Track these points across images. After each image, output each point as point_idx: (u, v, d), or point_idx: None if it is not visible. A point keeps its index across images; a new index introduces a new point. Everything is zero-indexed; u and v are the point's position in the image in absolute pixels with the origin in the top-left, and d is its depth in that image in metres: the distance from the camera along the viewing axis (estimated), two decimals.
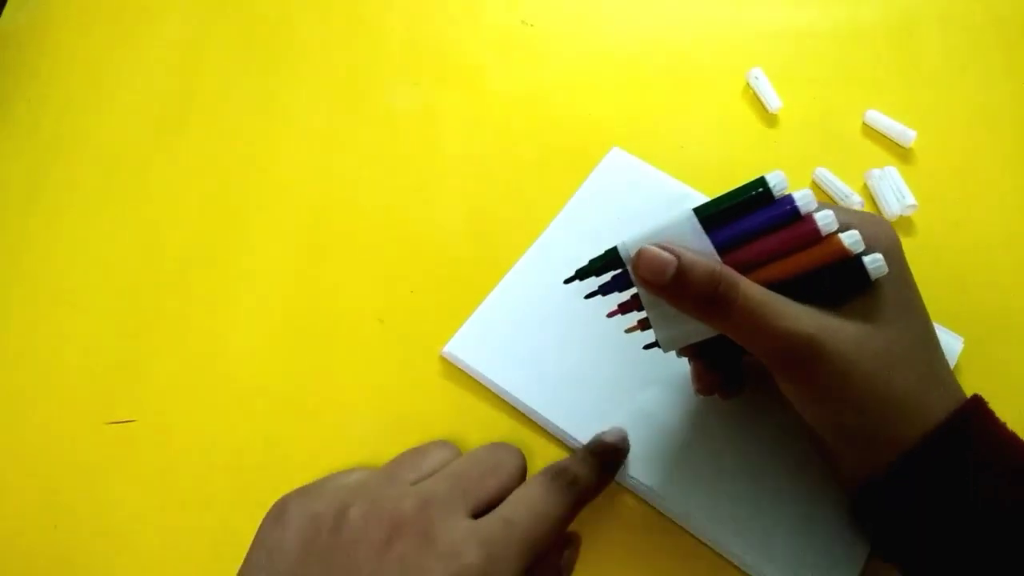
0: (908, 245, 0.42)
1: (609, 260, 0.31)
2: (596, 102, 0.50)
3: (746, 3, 0.53)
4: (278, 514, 0.30)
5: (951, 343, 0.38)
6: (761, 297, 0.29)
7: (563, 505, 0.30)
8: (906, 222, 0.43)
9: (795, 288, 0.29)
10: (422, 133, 0.49)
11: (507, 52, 0.52)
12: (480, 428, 0.38)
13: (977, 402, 0.31)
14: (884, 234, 0.32)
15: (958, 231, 0.43)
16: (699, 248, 0.29)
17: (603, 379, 0.38)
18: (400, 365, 0.40)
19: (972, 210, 0.44)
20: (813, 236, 0.29)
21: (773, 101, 0.48)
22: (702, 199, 0.43)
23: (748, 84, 0.49)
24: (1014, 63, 0.49)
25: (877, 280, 0.30)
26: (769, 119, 0.48)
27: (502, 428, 0.38)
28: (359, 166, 0.48)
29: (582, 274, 0.32)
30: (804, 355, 0.29)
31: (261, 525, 0.30)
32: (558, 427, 0.37)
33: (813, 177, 0.45)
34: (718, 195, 0.30)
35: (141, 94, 0.51)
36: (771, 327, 0.29)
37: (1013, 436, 0.30)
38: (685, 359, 0.37)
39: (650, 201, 0.44)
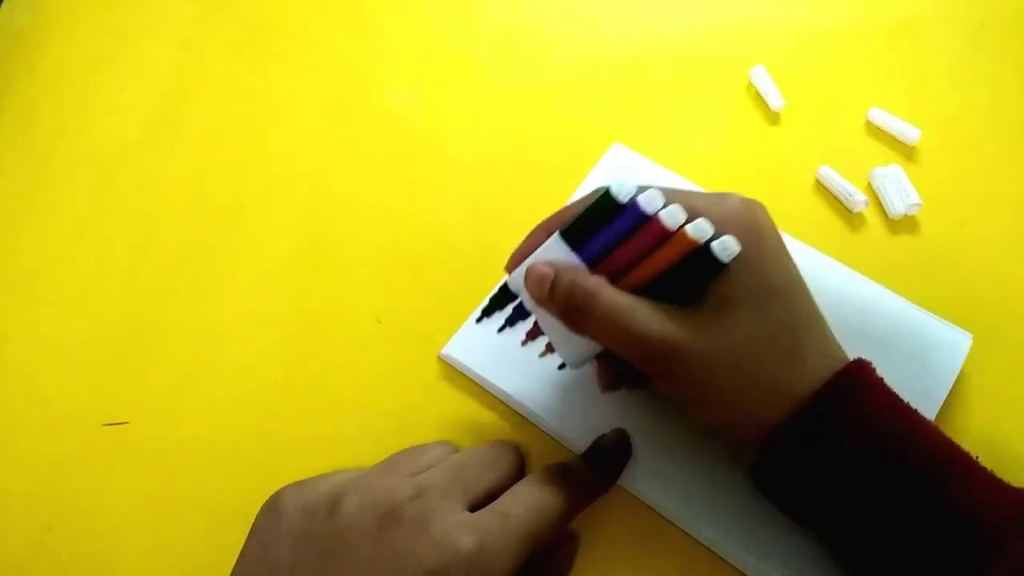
0: (912, 244, 0.42)
1: (505, 295, 0.34)
2: (596, 101, 0.49)
3: (748, 1, 0.53)
4: (272, 506, 0.30)
5: (959, 340, 0.37)
6: (620, 304, 0.30)
7: (560, 503, 0.30)
8: (911, 221, 0.43)
9: (661, 288, 0.30)
10: (421, 133, 0.48)
11: (507, 52, 0.52)
12: (478, 430, 0.38)
13: (848, 374, 0.30)
14: (738, 213, 0.31)
15: (963, 229, 0.43)
16: (572, 264, 0.31)
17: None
18: (398, 366, 0.40)
19: (977, 208, 0.43)
20: (664, 234, 0.29)
21: (775, 99, 0.47)
22: None
23: (750, 82, 0.49)
24: (1018, 60, 0.49)
25: (735, 265, 0.29)
26: (771, 117, 0.48)
27: (500, 430, 0.37)
28: (358, 166, 0.47)
29: (487, 312, 0.36)
30: (664, 358, 0.30)
31: (256, 518, 0.30)
32: (555, 430, 0.37)
33: (817, 175, 0.45)
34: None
35: (139, 93, 0.51)
36: (631, 333, 0.29)
37: (884, 407, 0.30)
38: None
39: None
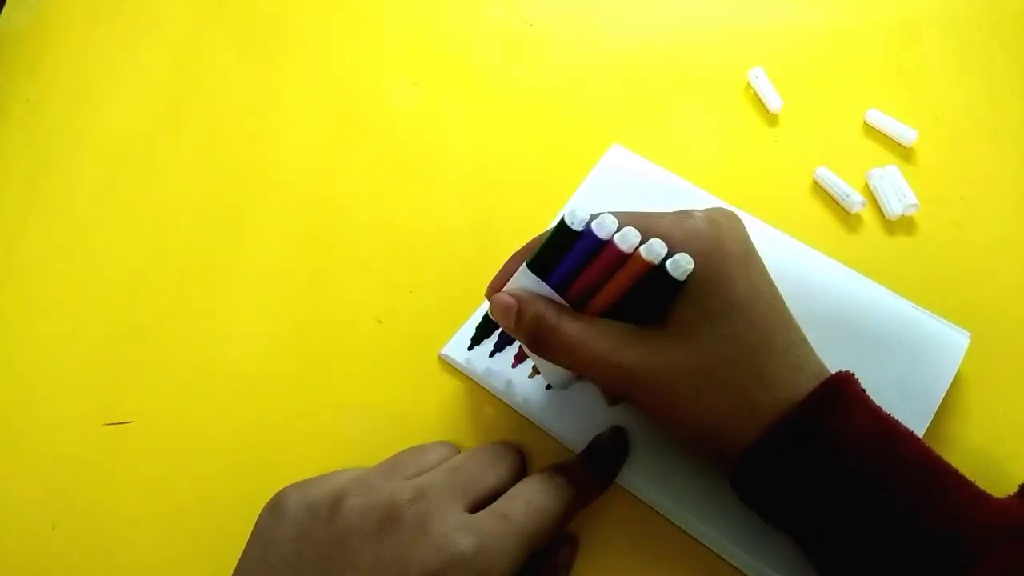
0: (909, 245, 0.43)
1: (488, 323, 0.37)
2: (596, 102, 0.49)
3: (747, 2, 0.53)
4: (274, 506, 0.30)
5: (957, 339, 0.38)
6: (580, 335, 0.30)
7: (559, 503, 0.30)
8: (908, 221, 0.43)
9: (626, 309, 0.30)
10: (421, 133, 0.49)
11: (507, 52, 0.52)
12: (478, 430, 0.38)
13: (825, 389, 0.29)
14: (698, 232, 0.30)
15: (960, 230, 0.43)
16: (543, 293, 0.32)
17: None
18: (399, 366, 0.40)
19: (974, 208, 0.44)
20: (621, 256, 0.30)
21: (774, 100, 0.47)
22: (703, 196, 0.43)
23: (749, 83, 0.49)
24: (1015, 61, 0.49)
25: (694, 285, 0.29)
26: (770, 118, 0.48)
27: (500, 430, 0.38)
28: (358, 166, 0.47)
29: (475, 340, 0.39)
30: (627, 382, 0.30)
31: (258, 517, 0.30)
32: (554, 429, 0.37)
33: (814, 177, 0.45)
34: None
35: (140, 94, 0.51)
36: (592, 361, 0.30)
37: (863, 422, 0.29)
38: None
39: (651, 197, 0.44)
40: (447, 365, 0.40)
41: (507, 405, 0.38)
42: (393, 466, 0.32)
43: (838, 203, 0.44)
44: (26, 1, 0.56)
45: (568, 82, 0.50)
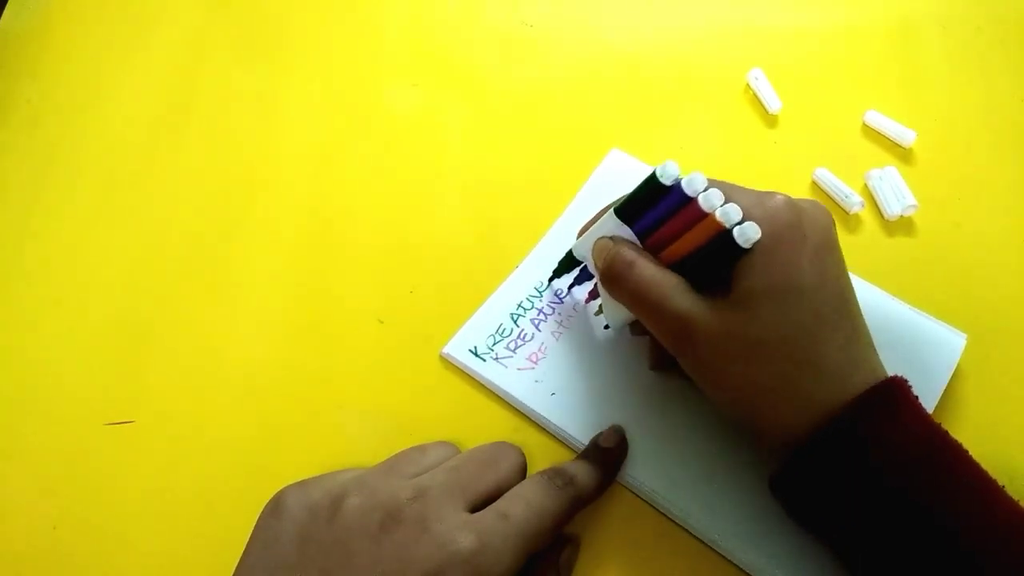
0: (908, 245, 0.43)
1: (570, 259, 0.39)
2: (596, 103, 0.50)
3: (746, 4, 0.54)
4: (275, 506, 0.30)
5: (954, 340, 0.38)
6: (651, 275, 0.32)
7: (559, 503, 0.31)
8: (907, 222, 0.43)
9: (691, 268, 0.32)
10: (422, 134, 0.49)
11: (507, 53, 0.52)
12: (480, 429, 0.38)
13: (879, 392, 0.29)
14: (778, 211, 0.31)
15: (958, 230, 0.43)
16: (625, 237, 0.34)
17: (602, 379, 0.38)
18: (399, 366, 0.40)
19: (972, 209, 0.44)
20: (700, 215, 0.31)
21: (773, 102, 0.48)
22: None
23: (748, 85, 0.49)
24: (1014, 63, 0.50)
25: (764, 260, 0.30)
26: (769, 120, 0.48)
27: (502, 429, 0.38)
28: (359, 167, 0.48)
29: (556, 273, 0.41)
30: (682, 334, 0.31)
31: (259, 517, 0.30)
32: (557, 427, 0.37)
33: (813, 177, 0.45)
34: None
35: (142, 95, 0.51)
36: (656, 304, 0.31)
37: (915, 431, 0.29)
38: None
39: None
40: (448, 365, 0.40)
41: (508, 404, 0.38)
42: (393, 466, 0.32)
43: (837, 204, 0.44)
44: (28, 2, 0.56)
45: (568, 83, 0.50)
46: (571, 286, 0.41)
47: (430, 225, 0.45)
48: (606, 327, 0.39)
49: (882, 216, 0.43)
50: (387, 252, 0.44)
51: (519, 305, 0.41)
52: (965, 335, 0.38)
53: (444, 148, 0.48)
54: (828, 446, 0.29)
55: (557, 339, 0.40)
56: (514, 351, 0.39)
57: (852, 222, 0.44)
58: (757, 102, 0.49)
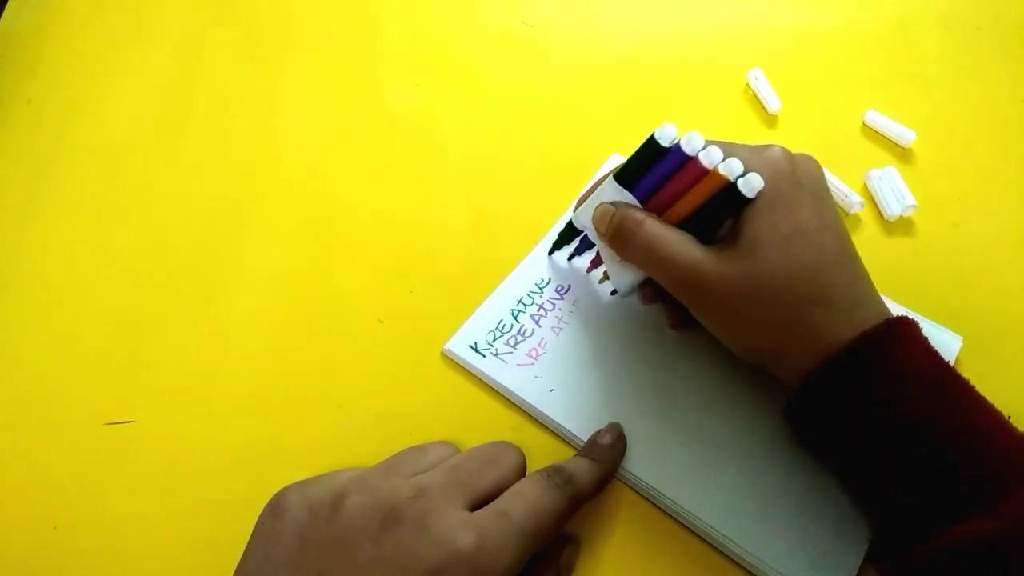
0: (907, 245, 0.43)
1: (571, 229, 0.39)
2: (596, 102, 0.50)
3: (746, 4, 0.54)
4: (275, 506, 0.30)
5: (949, 342, 0.38)
6: (660, 233, 0.33)
7: (559, 502, 0.31)
8: (906, 222, 0.43)
9: (697, 223, 0.33)
10: (422, 133, 0.49)
11: (507, 53, 0.52)
12: (481, 427, 0.38)
13: (889, 327, 0.31)
14: (777, 160, 0.33)
15: (957, 231, 0.43)
16: (627, 200, 0.35)
17: (601, 375, 0.38)
18: (399, 366, 0.40)
19: (971, 210, 0.44)
20: (701, 172, 0.32)
21: (773, 102, 0.48)
22: None
23: (748, 85, 0.49)
24: (1013, 63, 0.50)
25: (766, 207, 0.32)
26: (769, 120, 0.48)
27: (503, 427, 0.38)
28: (359, 166, 0.48)
29: (557, 245, 0.41)
30: (693, 284, 0.33)
31: (259, 517, 0.30)
32: (556, 423, 0.37)
33: None
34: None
35: (141, 94, 0.51)
36: (667, 258, 0.33)
37: (922, 365, 0.31)
38: (681, 358, 0.38)
39: None
40: (448, 364, 0.40)
41: (509, 402, 0.38)
42: (393, 465, 0.32)
43: (837, 204, 0.44)
44: (28, 2, 0.56)
45: (567, 82, 0.51)
46: (570, 257, 0.42)
47: (430, 225, 0.45)
48: (613, 292, 0.39)
49: (882, 216, 0.43)
50: (387, 252, 0.44)
51: (519, 301, 0.41)
52: (960, 337, 0.38)
53: (444, 148, 0.48)
54: (839, 371, 0.31)
55: (557, 335, 0.40)
56: (514, 347, 0.39)
57: (852, 222, 0.44)
58: (757, 102, 0.49)
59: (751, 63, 0.49)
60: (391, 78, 0.51)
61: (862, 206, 0.43)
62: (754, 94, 0.49)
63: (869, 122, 0.47)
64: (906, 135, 0.46)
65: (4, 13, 0.56)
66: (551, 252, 0.42)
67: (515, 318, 0.40)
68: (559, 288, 0.41)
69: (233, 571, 0.29)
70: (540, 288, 0.41)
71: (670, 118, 0.49)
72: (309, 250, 0.44)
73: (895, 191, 0.43)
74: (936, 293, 0.40)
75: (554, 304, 0.41)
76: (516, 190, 0.46)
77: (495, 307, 0.41)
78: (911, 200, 0.43)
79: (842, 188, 0.44)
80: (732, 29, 0.52)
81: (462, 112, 0.49)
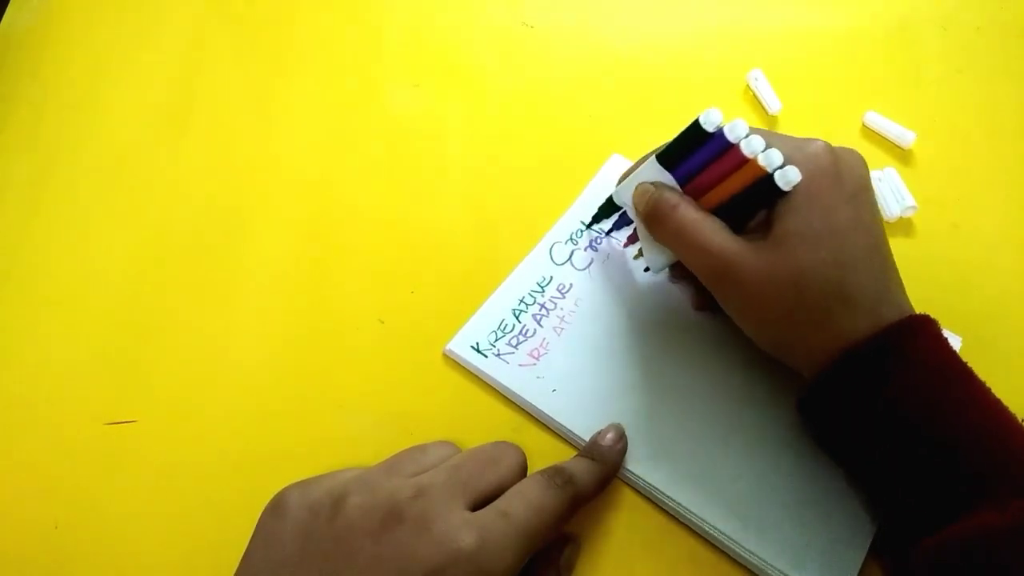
0: (907, 246, 0.43)
1: (610, 205, 0.40)
2: (596, 103, 0.50)
3: (746, 5, 0.54)
4: (276, 506, 0.30)
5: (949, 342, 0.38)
6: (693, 217, 0.34)
7: (559, 502, 0.31)
8: (906, 223, 0.43)
9: (733, 211, 0.34)
10: (422, 134, 0.49)
11: (507, 53, 0.52)
12: (482, 426, 0.38)
13: (906, 325, 0.31)
14: (817, 156, 0.33)
15: (957, 232, 0.43)
16: (667, 182, 0.35)
17: (602, 375, 0.38)
18: (400, 366, 0.40)
19: (971, 211, 0.44)
20: (741, 161, 0.32)
21: (773, 103, 0.48)
22: None
23: (748, 86, 0.49)
24: (1013, 64, 0.50)
25: (802, 201, 0.32)
26: (769, 120, 0.48)
27: (504, 426, 0.38)
28: (360, 167, 0.48)
29: (596, 218, 0.42)
30: (721, 270, 0.33)
31: (260, 517, 0.30)
32: (558, 423, 0.37)
33: None
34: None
35: (142, 96, 0.51)
36: (697, 243, 0.33)
37: (938, 360, 0.31)
38: (682, 358, 0.38)
39: None
40: (448, 365, 0.40)
41: (511, 401, 0.38)
42: (394, 465, 0.32)
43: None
44: (29, 3, 0.56)
45: (568, 82, 0.51)
46: (609, 231, 0.43)
47: (430, 226, 0.45)
48: (646, 270, 0.40)
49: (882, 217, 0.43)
50: (388, 252, 0.44)
51: (521, 300, 0.41)
52: (960, 337, 0.38)
53: (445, 148, 0.48)
54: (852, 368, 0.31)
55: (559, 335, 0.40)
56: (516, 347, 0.39)
57: None
58: (757, 103, 0.49)
59: (751, 64, 0.49)
60: (391, 78, 0.51)
61: None
62: (754, 95, 0.49)
63: (869, 123, 0.47)
64: (906, 136, 0.46)
65: (4, 15, 0.56)
66: (590, 224, 0.43)
67: (517, 318, 0.40)
68: (560, 287, 0.41)
69: (234, 571, 0.29)
70: (542, 287, 0.42)
71: (670, 118, 0.49)
72: (310, 250, 0.44)
73: (895, 192, 0.43)
74: (936, 293, 0.40)
75: (556, 303, 0.41)
76: (516, 190, 0.46)
77: (497, 307, 0.41)
78: (911, 201, 0.43)
79: None
80: (732, 30, 0.52)
81: (462, 112, 0.49)
